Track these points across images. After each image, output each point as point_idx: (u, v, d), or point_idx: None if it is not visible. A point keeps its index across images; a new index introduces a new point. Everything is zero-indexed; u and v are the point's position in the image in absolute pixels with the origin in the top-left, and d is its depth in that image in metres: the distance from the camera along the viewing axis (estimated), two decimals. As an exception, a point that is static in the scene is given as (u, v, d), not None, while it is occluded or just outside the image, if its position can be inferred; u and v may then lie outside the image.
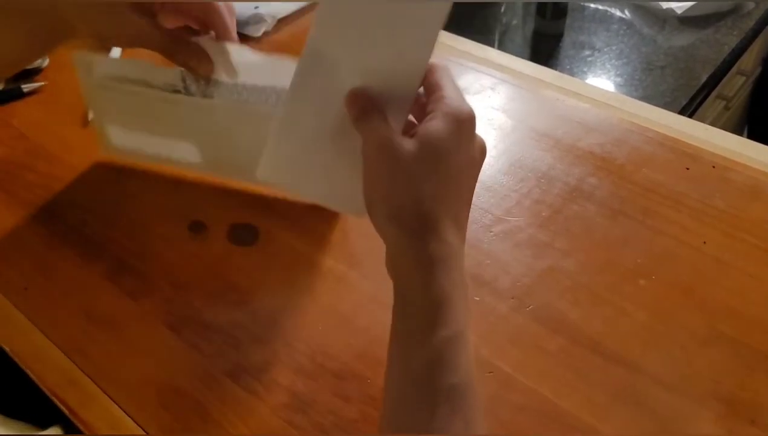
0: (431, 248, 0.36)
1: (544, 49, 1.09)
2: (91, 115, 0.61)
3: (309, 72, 0.39)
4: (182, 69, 0.53)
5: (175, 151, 0.59)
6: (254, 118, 0.53)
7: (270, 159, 0.42)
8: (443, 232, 0.36)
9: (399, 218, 0.36)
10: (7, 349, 0.49)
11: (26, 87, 0.72)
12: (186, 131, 0.57)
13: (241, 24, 0.81)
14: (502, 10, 1.18)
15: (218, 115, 0.54)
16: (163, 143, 0.59)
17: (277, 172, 0.43)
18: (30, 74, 0.74)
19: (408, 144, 0.37)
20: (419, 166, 0.36)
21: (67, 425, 0.53)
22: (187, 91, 0.54)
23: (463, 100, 0.39)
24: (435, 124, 0.37)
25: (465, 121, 0.38)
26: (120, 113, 0.58)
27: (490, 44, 1.04)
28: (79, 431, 0.45)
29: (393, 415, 0.36)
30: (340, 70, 0.39)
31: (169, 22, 0.52)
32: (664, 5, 1.11)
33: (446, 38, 0.81)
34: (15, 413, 0.50)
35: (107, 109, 0.59)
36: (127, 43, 0.49)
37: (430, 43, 0.38)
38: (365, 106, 0.38)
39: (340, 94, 0.39)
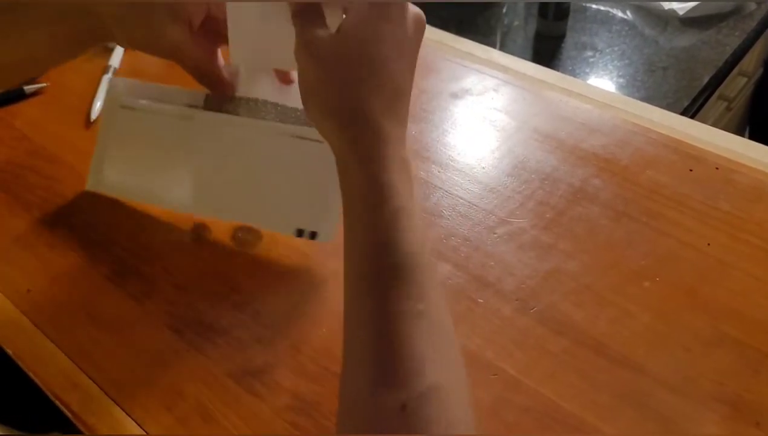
0: (366, 140, 0.36)
1: (546, 50, 1.09)
2: (98, 147, 0.58)
3: None
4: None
5: (168, 189, 0.56)
6: (278, 136, 0.53)
7: (235, 46, 0.48)
8: (375, 121, 0.36)
9: (328, 113, 0.38)
10: (9, 351, 0.49)
11: (28, 88, 0.72)
12: (196, 153, 0.55)
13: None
14: (504, 10, 1.18)
15: (238, 131, 0.54)
16: (160, 177, 0.57)
17: (247, 56, 0.49)
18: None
19: (328, 41, 0.37)
20: (339, 62, 0.37)
21: (65, 431, 0.53)
22: (211, 109, 0.54)
23: None
24: (351, 18, 0.37)
25: (384, 6, 0.37)
26: (130, 140, 0.57)
27: (492, 45, 1.04)
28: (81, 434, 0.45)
29: (347, 305, 0.35)
30: None
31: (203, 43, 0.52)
32: (666, 6, 1.11)
33: (449, 39, 0.81)
34: (10, 420, 0.50)
35: (117, 137, 0.58)
36: (161, 54, 0.49)
37: None
38: (301, 3, 0.39)
39: None
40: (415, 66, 0.39)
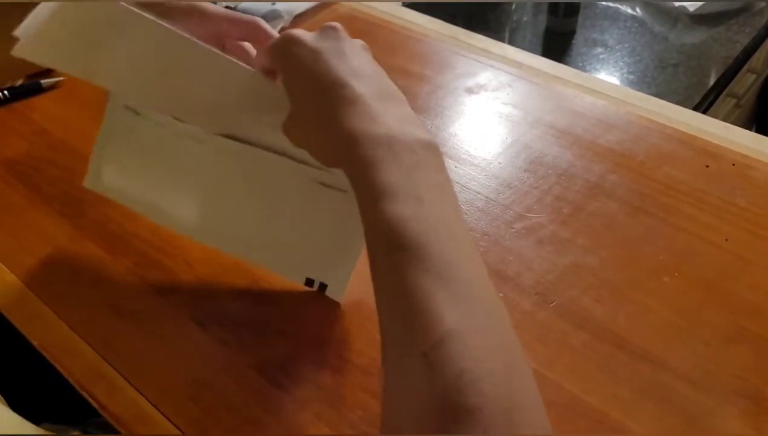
0: (341, 149, 0.37)
1: (556, 46, 1.09)
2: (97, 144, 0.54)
3: None
4: None
5: (170, 208, 0.53)
6: (301, 178, 0.49)
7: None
8: (341, 128, 0.37)
9: (315, 149, 0.41)
10: (35, 343, 0.49)
11: (45, 82, 0.72)
12: (205, 178, 0.51)
13: (258, 20, 0.81)
14: (513, 7, 1.18)
15: (257, 165, 0.49)
16: (162, 193, 0.53)
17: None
18: (48, 69, 0.74)
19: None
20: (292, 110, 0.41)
21: (84, 428, 0.54)
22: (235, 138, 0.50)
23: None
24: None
25: (278, 47, 0.40)
26: (133, 147, 0.53)
27: (501, 41, 1.04)
28: (107, 426, 0.46)
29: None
30: None
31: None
32: (677, 3, 1.11)
33: (463, 35, 0.81)
34: (37, 410, 0.51)
35: (119, 139, 0.53)
36: None
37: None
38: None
39: None
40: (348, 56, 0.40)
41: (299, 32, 0.40)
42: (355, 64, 0.39)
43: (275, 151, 0.48)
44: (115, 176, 0.54)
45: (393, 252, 0.33)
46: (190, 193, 0.52)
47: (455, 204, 0.36)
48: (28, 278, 0.54)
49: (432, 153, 0.36)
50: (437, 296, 0.31)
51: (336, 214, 0.48)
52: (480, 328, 0.30)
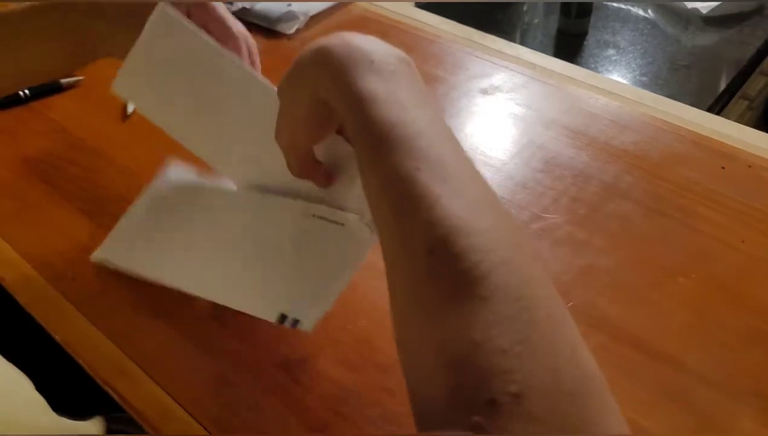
0: (324, 74, 0.36)
1: (568, 47, 1.09)
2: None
3: None
4: None
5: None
6: (284, 210, 0.48)
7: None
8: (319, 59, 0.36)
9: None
10: (58, 338, 0.50)
11: (65, 81, 0.73)
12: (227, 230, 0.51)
13: (274, 21, 0.82)
14: (525, 8, 1.19)
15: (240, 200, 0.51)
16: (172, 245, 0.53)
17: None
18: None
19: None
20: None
21: (108, 416, 0.54)
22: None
23: None
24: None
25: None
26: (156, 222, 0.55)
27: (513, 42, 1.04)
28: (129, 418, 0.46)
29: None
30: None
31: None
32: (689, 5, 1.11)
33: (476, 36, 0.82)
34: (61, 404, 0.51)
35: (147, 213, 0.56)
36: None
37: None
38: None
39: None
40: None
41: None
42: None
43: (281, 192, 0.48)
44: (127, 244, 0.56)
45: (382, 150, 0.32)
46: (192, 241, 0.52)
47: (436, 109, 0.35)
48: (50, 274, 0.55)
49: (406, 65, 0.36)
50: (436, 191, 0.30)
51: (326, 250, 0.46)
52: (482, 219, 0.30)
